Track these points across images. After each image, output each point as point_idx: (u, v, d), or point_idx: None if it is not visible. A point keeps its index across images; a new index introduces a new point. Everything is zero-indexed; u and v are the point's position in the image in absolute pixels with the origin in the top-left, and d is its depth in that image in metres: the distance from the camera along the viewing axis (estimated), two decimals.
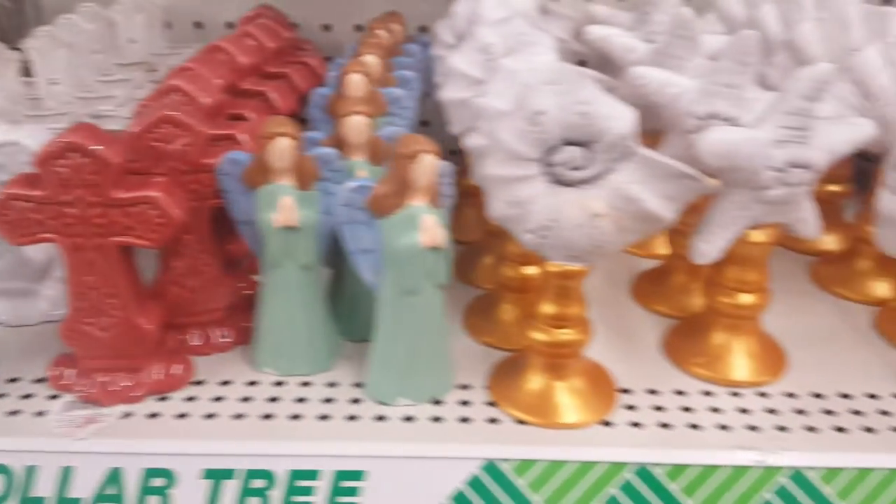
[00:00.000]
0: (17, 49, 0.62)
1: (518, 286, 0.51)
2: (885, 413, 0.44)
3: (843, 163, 0.57)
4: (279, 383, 0.46)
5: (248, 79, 0.59)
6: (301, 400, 0.45)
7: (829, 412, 0.44)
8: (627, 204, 0.39)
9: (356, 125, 0.45)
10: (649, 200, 0.39)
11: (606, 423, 0.43)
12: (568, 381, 0.44)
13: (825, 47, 0.55)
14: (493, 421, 0.43)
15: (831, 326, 0.53)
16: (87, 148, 0.40)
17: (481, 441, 0.42)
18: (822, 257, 0.60)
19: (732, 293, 0.46)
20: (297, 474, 0.41)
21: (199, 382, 0.47)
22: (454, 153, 0.48)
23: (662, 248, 0.61)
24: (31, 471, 0.41)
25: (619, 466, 0.40)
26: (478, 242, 0.59)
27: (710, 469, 0.40)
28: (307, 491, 0.41)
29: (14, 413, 0.44)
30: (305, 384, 0.46)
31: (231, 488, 0.41)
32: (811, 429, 0.43)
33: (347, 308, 0.50)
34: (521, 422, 0.43)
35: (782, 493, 0.40)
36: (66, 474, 0.41)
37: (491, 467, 0.41)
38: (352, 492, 0.41)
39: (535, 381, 0.44)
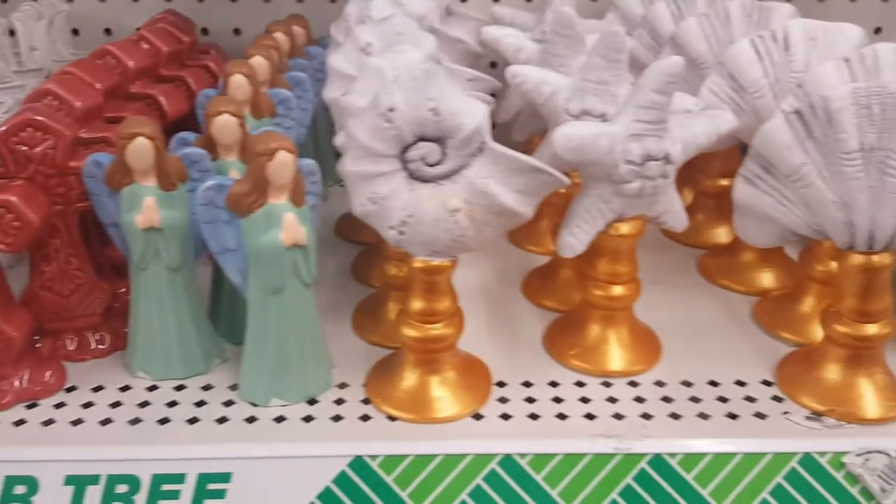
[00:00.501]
0: None
1: (401, 284, 0.51)
2: (750, 399, 0.45)
3: (733, 157, 0.59)
4: (153, 388, 0.46)
5: (139, 82, 0.59)
6: (172, 404, 0.44)
7: (694, 399, 0.45)
8: (482, 198, 0.39)
9: (224, 125, 0.45)
10: (504, 195, 0.39)
11: (478, 417, 0.44)
12: (441, 376, 0.44)
13: (708, 42, 0.56)
14: (365, 418, 0.43)
15: (711, 317, 0.53)
16: None
17: (350, 438, 0.42)
18: (710, 250, 0.62)
19: (605, 286, 0.47)
20: (162, 478, 0.40)
21: (71, 389, 0.46)
22: None
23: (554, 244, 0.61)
24: None
25: (485, 458, 0.41)
26: (375, 243, 0.59)
27: (573, 457, 0.40)
28: (173, 495, 0.40)
29: None
30: (179, 388, 0.46)
31: (94, 494, 0.40)
32: (675, 416, 0.43)
33: (228, 309, 0.49)
34: (393, 418, 0.43)
35: (642, 478, 0.40)
36: None
37: (358, 464, 0.41)
38: (219, 494, 0.40)
39: (409, 378, 0.45)
